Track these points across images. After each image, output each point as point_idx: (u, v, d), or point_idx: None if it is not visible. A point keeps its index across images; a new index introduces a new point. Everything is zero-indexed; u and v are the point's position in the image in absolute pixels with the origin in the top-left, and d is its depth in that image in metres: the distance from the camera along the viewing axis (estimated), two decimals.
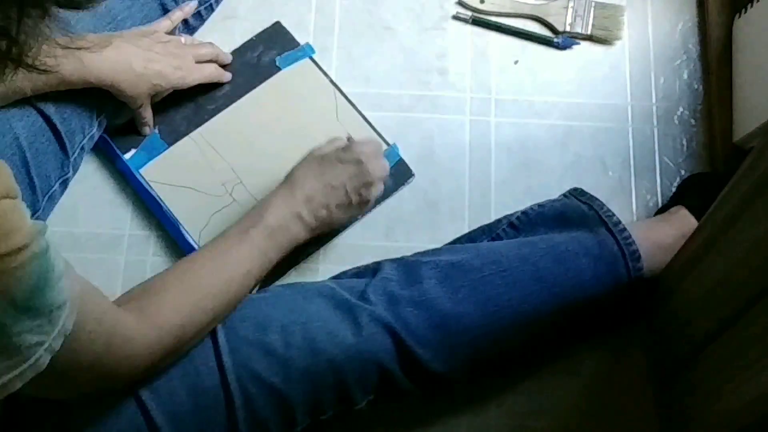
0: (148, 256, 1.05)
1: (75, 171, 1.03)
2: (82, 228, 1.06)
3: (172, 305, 0.76)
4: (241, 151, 1.09)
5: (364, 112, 1.12)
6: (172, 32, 1.08)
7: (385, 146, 1.08)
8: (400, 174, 1.10)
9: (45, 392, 0.68)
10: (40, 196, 0.97)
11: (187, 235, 1.03)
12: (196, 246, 1.03)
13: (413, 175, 1.10)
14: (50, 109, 0.95)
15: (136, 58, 0.98)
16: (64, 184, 1.01)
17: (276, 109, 1.12)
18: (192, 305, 0.78)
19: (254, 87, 1.12)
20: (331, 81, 1.14)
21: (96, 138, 1.04)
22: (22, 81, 0.90)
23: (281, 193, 0.92)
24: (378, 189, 0.98)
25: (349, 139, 1.01)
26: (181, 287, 0.79)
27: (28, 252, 0.54)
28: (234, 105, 1.11)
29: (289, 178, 0.94)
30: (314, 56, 1.15)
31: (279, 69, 1.14)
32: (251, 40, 1.15)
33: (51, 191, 0.99)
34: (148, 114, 1.05)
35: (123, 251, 1.05)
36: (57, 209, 1.03)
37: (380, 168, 0.98)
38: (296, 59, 1.15)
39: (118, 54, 0.96)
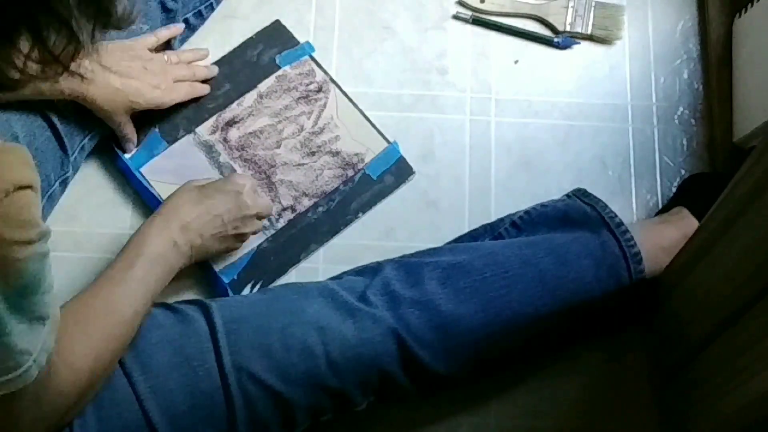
0: None
1: (75, 171, 1.02)
2: (82, 228, 1.06)
3: (81, 349, 0.74)
4: (242, 149, 1.09)
5: (364, 111, 1.12)
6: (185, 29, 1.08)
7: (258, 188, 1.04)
8: (401, 172, 1.10)
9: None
10: (40, 196, 0.96)
11: None
12: None
13: (414, 172, 1.10)
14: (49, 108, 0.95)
15: (114, 74, 0.96)
16: (64, 184, 1.01)
17: (277, 107, 1.12)
18: (98, 343, 0.76)
19: (254, 85, 1.12)
20: (332, 79, 1.14)
21: (98, 138, 1.04)
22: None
23: (156, 223, 0.89)
24: (256, 225, 0.97)
25: (227, 175, 1.00)
26: (85, 326, 0.76)
27: (34, 249, 0.54)
28: (234, 103, 1.11)
29: (164, 207, 0.92)
30: (314, 54, 1.15)
31: (279, 67, 1.14)
32: (251, 38, 1.15)
33: (51, 191, 0.99)
34: (128, 130, 1.03)
35: None
36: (57, 209, 1.03)
37: (259, 204, 0.97)
38: (296, 57, 1.15)
39: (96, 70, 0.94)
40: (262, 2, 1.19)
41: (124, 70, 0.98)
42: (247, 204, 0.95)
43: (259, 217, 0.98)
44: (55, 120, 0.95)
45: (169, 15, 1.09)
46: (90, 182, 1.08)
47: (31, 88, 0.89)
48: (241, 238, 0.97)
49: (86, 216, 1.06)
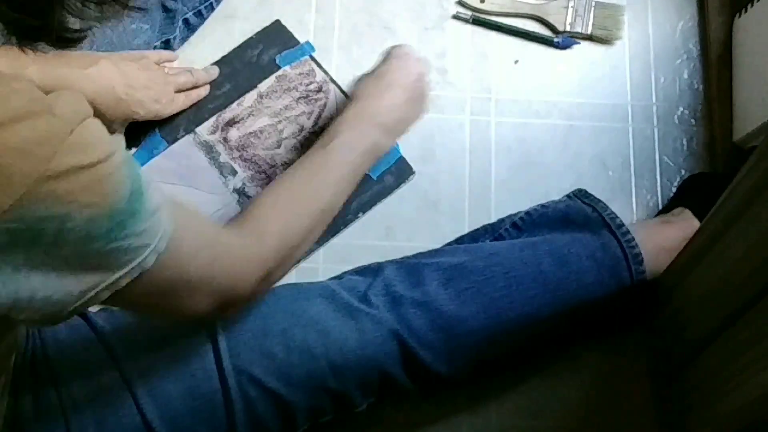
0: None
1: None
2: None
3: (270, 217, 0.78)
4: (242, 149, 1.09)
5: None
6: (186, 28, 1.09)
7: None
8: (401, 172, 1.10)
9: (162, 306, 0.67)
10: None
11: None
12: None
13: (413, 172, 1.10)
14: None
15: (119, 83, 0.97)
16: None
17: (277, 107, 1.12)
18: (287, 216, 0.79)
19: (254, 85, 1.12)
20: (332, 79, 1.14)
21: None
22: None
23: (351, 108, 0.92)
24: (430, 74, 1.00)
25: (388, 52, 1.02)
26: (276, 201, 0.80)
27: (118, 158, 0.56)
28: (235, 103, 1.11)
29: (352, 97, 0.95)
30: (314, 54, 1.15)
31: (279, 67, 1.14)
32: (251, 38, 1.15)
33: None
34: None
35: None
36: None
37: (425, 61, 1.00)
38: (296, 57, 1.15)
39: (101, 75, 0.95)
40: (262, 2, 1.19)
41: (128, 80, 0.98)
42: (419, 59, 0.99)
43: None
44: None
45: (168, 14, 1.10)
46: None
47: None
48: (428, 90, 0.99)
49: None
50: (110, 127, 0.98)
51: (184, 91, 1.08)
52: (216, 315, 0.73)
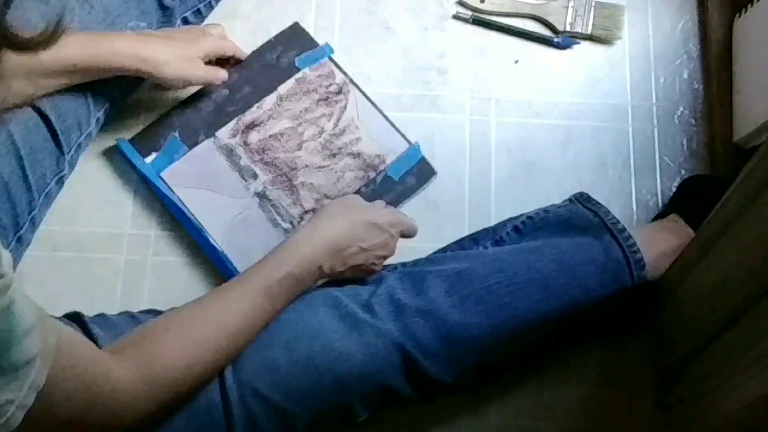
0: (148, 256, 1.05)
1: (72, 168, 1.02)
2: (82, 228, 1.06)
3: (169, 358, 0.72)
4: (263, 152, 1.09)
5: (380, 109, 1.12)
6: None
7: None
8: (423, 173, 1.09)
9: None
10: (36, 194, 0.96)
11: (210, 239, 1.03)
12: (219, 249, 1.02)
13: (435, 173, 1.10)
14: (46, 105, 0.94)
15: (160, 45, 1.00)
16: (61, 182, 1.01)
17: (297, 109, 1.12)
18: (191, 358, 0.74)
19: (274, 88, 1.12)
20: (351, 80, 1.13)
21: (94, 136, 1.04)
22: (66, 53, 0.90)
23: (303, 238, 0.86)
24: (383, 263, 0.94)
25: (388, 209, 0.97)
26: (182, 338, 0.74)
27: (11, 295, 0.53)
28: (254, 106, 1.11)
29: (321, 223, 0.88)
30: (333, 56, 1.15)
31: (298, 69, 1.13)
32: (269, 41, 1.15)
33: (47, 189, 0.98)
34: (208, 71, 1.06)
35: (123, 251, 1.05)
36: (57, 209, 1.03)
37: (394, 247, 0.94)
38: (315, 59, 1.14)
39: (159, 44, 0.99)
40: (262, 2, 1.19)
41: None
42: (392, 247, 0.93)
43: (390, 255, 0.94)
44: (52, 117, 0.95)
45: (165, 12, 1.09)
46: (90, 182, 1.08)
47: (116, 60, 0.93)
48: (371, 269, 0.93)
49: (86, 216, 1.06)
50: (190, 78, 1.04)
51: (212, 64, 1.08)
52: None
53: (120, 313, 0.85)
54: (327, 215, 0.89)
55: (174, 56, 1.00)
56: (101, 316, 0.83)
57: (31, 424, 0.58)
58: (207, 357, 0.76)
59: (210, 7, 1.16)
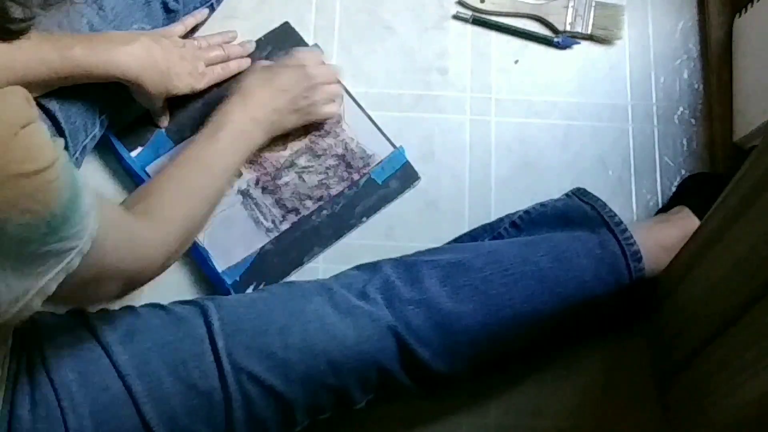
0: None
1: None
2: None
3: (173, 205, 0.83)
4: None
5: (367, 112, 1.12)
6: (185, 36, 1.09)
7: (320, 53, 1.12)
8: (406, 177, 1.10)
9: (78, 296, 0.73)
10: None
11: None
12: (200, 245, 1.03)
13: (419, 178, 1.10)
14: (54, 106, 0.95)
15: (160, 57, 0.99)
16: None
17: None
18: (187, 204, 0.85)
19: None
20: (339, 82, 1.13)
21: (98, 138, 1.04)
22: (40, 67, 0.90)
23: (235, 102, 0.97)
24: (325, 92, 1.04)
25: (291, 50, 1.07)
26: (176, 189, 0.85)
27: (59, 164, 0.57)
28: None
29: (239, 89, 0.99)
30: (323, 56, 1.15)
31: None
32: (259, 40, 1.15)
33: None
34: (165, 110, 1.08)
35: None
36: None
37: (323, 73, 1.05)
38: None
39: (144, 51, 0.97)
40: (262, 2, 1.19)
41: (167, 55, 1.00)
42: (312, 74, 1.03)
43: (327, 83, 1.05)
44: (60, 118, 0.95)
45: (170, 15, 1.10)
46: (90, 182, 1.07)
47: (78, 68, 0.92)
48: (314, 107, 1.04)
49: None
50: (154, 101, 1.03)
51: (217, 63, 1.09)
52: (120, 296, 0.78)
53: (121, 308, 0.85)
54: (241, 83, 1.01)
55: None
56: (103, 311, 0.84)
57: (84, 271, 0.63)
58: (197, 202, 0.87)
59: (212, 8, 1.16)
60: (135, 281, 0.78)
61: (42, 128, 0.58)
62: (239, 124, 0.95)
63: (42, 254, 0.58)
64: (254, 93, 0.99)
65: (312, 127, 1.10)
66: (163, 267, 0.81)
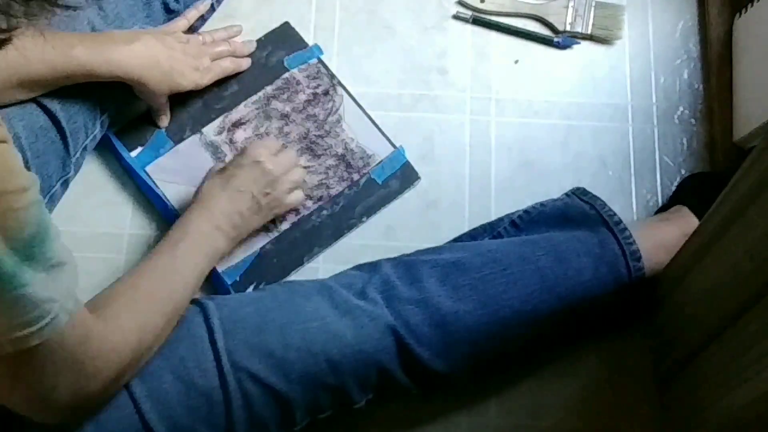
0: None
1: (76, 171, 1.02)
2: (82, 228, 1.06)
3: (128, 315, 0.76)
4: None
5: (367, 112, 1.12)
6: (188, 30, 1.09)
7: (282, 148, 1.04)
8: (406, 177, 1.10)
9: (43, 380, 0.67)
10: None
11: None
12: None
13: (419, 177, 1.10)
14: (56, 106, 0.95)
15: (163, 55, 0.99)
16: (65, 184, 1.01)
17: (284, 109, 1.12)
18: (143, 315, 0.78)
19: (262, 87, 1.12)
20: (339, 82, 1.14)
21: (98, 138, 1.04)
22: (42, 67, 0.90)
23: (195, 210, 0.93)
24: (287, 184, 0.99)
25: (243, 147, 1.01)
26: (132, 299, 0.79)
27: (30, 195, 0.55)
28: (242, 104, 1.11)
29: (198, 197, 0.95)
30: (322, 57, 1.15)
31: (287, 69, 1.13)
32: (259, 40, 1.15)
33: (52, 191, 0.99)
34: (167, 108, 1.07)
35: (123, 251, 1.05)
36: (57, 209, 1.03)
37: (281, 163, 0.99)
38: (304, 60, 1.14)
39: (147, 50, 0.97)
40: (262, 2, 1.19)
41: (169, 52, 1.00)
42: (269, 169, 0.97)
43: (287, 173, 0.99)
44: (61, 118, 0.95)
45: (170, 16, 1.10)
46: (90, 182, 1.08)
47: (79, 68, 0.91)
48: (278, 201, 0.99)
49: (86, 216, 1.07)
50: (157, 99, 1.02)
51: (224, 59, 1.09)
52: (64, 414, 0.72)
53: None
54: (200, 191, 0.96)
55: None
56: None
57: (66, 341, 0.61)
58: (158, 325, 0.79)
59: (212, 9, 1.16)
60: (85, 391, 0.71)
61: (14, 152, 0.56)
62: (199, 235, 0.90)
63: (14, 299, 0.56)
64: (213, 200, 0.94)
65: (312, 128, 1.10)
66: (116, 380, 0.74)
